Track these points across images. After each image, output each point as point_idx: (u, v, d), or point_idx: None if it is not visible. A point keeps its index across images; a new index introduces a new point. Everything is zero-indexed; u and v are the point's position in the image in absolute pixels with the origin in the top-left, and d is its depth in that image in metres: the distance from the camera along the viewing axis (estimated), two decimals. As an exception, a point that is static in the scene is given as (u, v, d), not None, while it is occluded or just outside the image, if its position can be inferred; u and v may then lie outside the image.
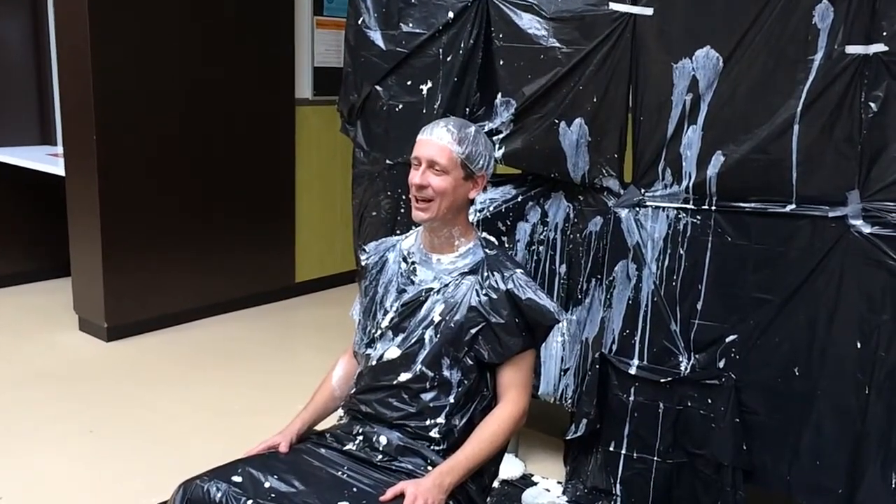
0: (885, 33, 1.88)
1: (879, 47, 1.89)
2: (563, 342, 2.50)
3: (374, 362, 1.81)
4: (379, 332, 1.83)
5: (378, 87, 2.62)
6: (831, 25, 1.93)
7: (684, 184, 2.20)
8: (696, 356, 2.27)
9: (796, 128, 2.02)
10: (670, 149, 2.21)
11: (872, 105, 1.93)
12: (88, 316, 3.89)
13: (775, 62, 2.02)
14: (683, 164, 2.19)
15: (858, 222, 1.99)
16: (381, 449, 1.73)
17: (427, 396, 1.75)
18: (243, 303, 4.40)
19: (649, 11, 2.17)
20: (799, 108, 2.01)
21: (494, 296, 1.76)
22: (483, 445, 1.70)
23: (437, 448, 1.73)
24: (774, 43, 2.01)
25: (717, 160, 2.13)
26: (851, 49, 1.93)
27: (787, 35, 1.99)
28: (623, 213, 2.32)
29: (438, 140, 1.76)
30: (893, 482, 1.98)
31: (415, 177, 1.77)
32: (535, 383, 2.49)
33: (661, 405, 2.32)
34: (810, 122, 2.01)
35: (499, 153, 2.46)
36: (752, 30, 2.03)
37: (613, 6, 2.21)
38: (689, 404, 2.29)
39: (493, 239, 1.91)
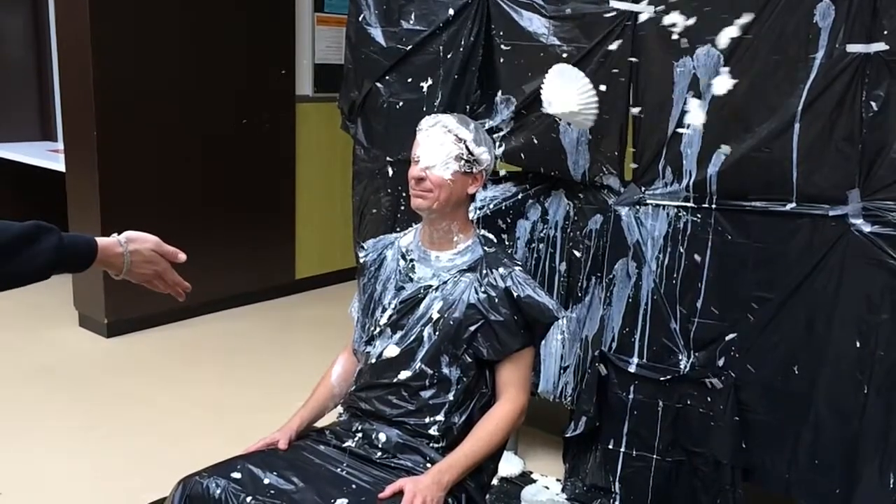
0: (885, 32, 1.88)
1: (880, 46, 1.89)
2: (562, 340, 2.50)
3: (373, 360, 1.81)
4: (378, 329, 1.83)
5: (379, 84, 2.61)
6: (832, 24, 1.93)
7: (685, 182, 2.20)
8: (696, 354, 2.26)
9: (797, 126, 2.02)
10: (671, 147, 2.20)
11: (873, 104, 1.92)
12: (88, 312, 3.90)
13: (776, 61, 2.02)
14: (684, 162, 2.19)
15: (859, 221, 1.98)
16: (380, 446, 1.73)
17: (426, 394, 1.75)
18: (243, 299, 4.41)
19: (650, 10, 2.16)
20: (799, 107, 2.00)
21: (493, 293, 1.76)
22: (482, 443, 1.70)
23: (436, 445, 1.73)
24: (775, 41, 2.01)
25: (718, 158, 2.13)
26: (852, 48, 1.92)
27: (788, 34, 1.99)
28: (623, 211, 2.32)
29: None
30: (891, 482, 1.97)
31: (414, 170, 1.77)
32: (535, 381, 2.50)
33: (661, 403, 2.32)
34: (811, 121, 2.00)
35: (499, 151, 2.46)
36: (753, 28, 2.03)
37: (614, 4, 2.20)
38: (689, 402, 2.29)
39: (492, 236, 1.91)
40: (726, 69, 2.08)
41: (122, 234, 1.48)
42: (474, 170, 1.79)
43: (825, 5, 1.92)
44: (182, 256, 1.54)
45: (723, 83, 2.09)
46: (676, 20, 2.12)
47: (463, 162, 1.76)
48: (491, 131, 2.44)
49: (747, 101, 2.07)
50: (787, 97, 2.02)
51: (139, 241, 1.50)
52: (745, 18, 2.03)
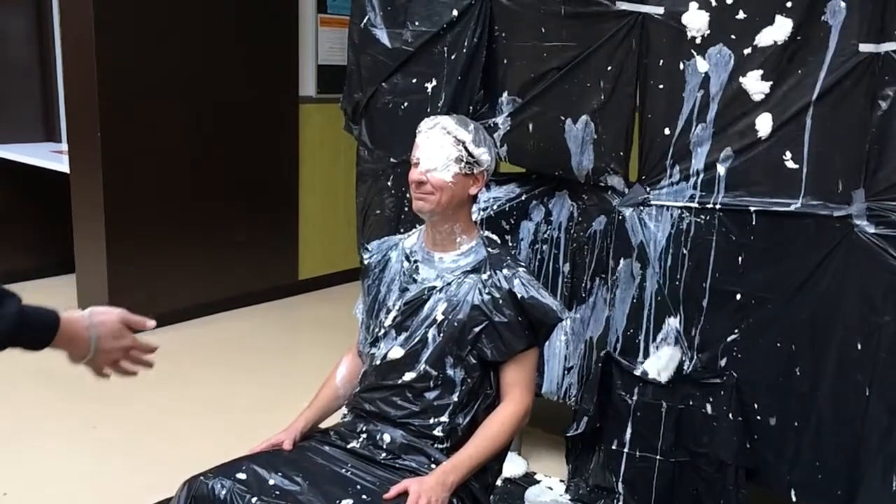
0: (896, 32, 1.88)
1: (891, 46, 1.89)
2: (566, 341, 2.50)
3: (378, 361, 1.81)
4: (382, 330, 1.83)
5: (384, 86, 2.62)
6: (843, 23, 1.93)
7: (692, 180, 2.20)
8: (699, 355, 2.27)
9: (806, 125, 2.02)
10: (678, 146, 2.20)
11: (882, 104, 1.92)
12: (92, 312, 3.90)
13: (787, 60, 2.02)
14: (693, 160, 2.19)
15: (863, 222, 1.98)
16: (384, 447, 1.73)
17: (431, 395, 1.75)
18: (247, 300, 4.41)
19: (660, 10, 2.16)
20: (810, 107, 2.01)
21: (497, 294, 1.76)
22: (486, 444, 1.70)
23: (440, 446, 1.73)
24: (787, 41, 2.01)
25: (727, 157, 2.13)
26: (863, 48, 1.92)
27: (800, 32, 1.99)
28: (627, 212, 2.32)
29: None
30: (894, 484, 1.97)
31: (414, 173, 1.77)
32: (538, 382, 2.50)
33: (664, 404, 2.32)
34: (819, 120, 2.01)
35: (503, 150, 2.46)
36: (765, 28, 2.03)
37: (621, 5, 2.20)
38: (692, 403, 2.29)
39: (495, 237, 1.91)
40: (736, 68, 2.08)
41: (86, 309, 1.35)
42: (475, 171, 1.79)
43: (836, 4, 1.93)
44: (151, 323, 1.41)
45: (733, 82, 2.09)
46: (687, 20, 2.12)
47: (463, 163, 1.76)
48: (494, 131, 2.44)
49: (755, 101, 2.08)
50: (796, 96, 2.02)
51: (104, 312, 1.36)
52: (757, 18, 2.03)
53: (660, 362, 2.29)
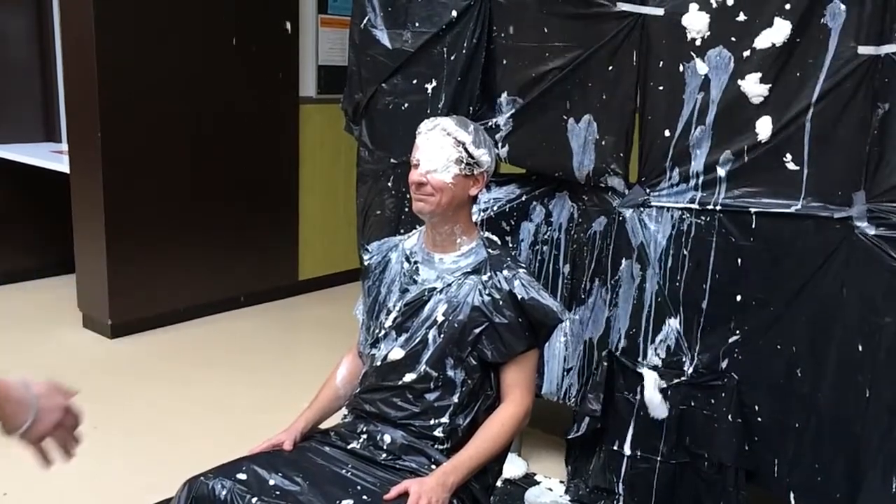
0: None
1: (891, 48, 1.89)
2: (565, 342, 2.50)
3: (378, 363, 1.81)
4: (382, 332, 1.83)
5: (384, 86, 2.62)
6: (843, 26, 1.93)
7: (692, 182, 2.20)
8: (700, 356, 2.27)
9: (805, 127, 2.02)
10: (678, 148, 2.21)
11: (883, 105, 1.92)
12: (92, 313, 3.90)
13: (786, 62, 2.02)
14: (692, 162, 2.19)
15: (863, 224, 1.98)
16: (385, 448, 1.74)
17: (431, 396, 1.75)
18: (247, 300, 4.41)
19: (660, 12, 2.17)
20: (809, 109, 2.01)
21: (497, 296, 1.76)
22: (487, 445, 1.70)
23: (440, 447, 1.73)
24: (786, 43, 2.01)
25: (726, 159, 2.13)
26: (863, 50, 1.93)
27: (799, 35, 1.99)
28: (627, 213, 2.33)
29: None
30: (894, 485, 1.97)
31: (414, 175, 1.77)
32: (538, 383, 2.50)
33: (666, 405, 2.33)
34: (819, 123, 2.01)
35: (503, 151, 2.46)
36: (764, 31, 2.03)
37: (622, 6, 2.21)
38: (692, 404, 2.29)
39: (495, 238, 1.91)
40: (736, 70, 2.08)
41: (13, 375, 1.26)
42: (475, 172, 1.79)
43: (836, 6, 1.93)
44: (75, 390, 1.35)
45: (733, 84, 2.09)
46: (687, 21, 2.12)
47: (463, 165, 1.76)
48: (494, 132, 2.45)
49: (755, 102, 2.08)
50: (796, 98, 2.02)
51: (33, 379, 1.27)
52: (758, 20, 2.03)
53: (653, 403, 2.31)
